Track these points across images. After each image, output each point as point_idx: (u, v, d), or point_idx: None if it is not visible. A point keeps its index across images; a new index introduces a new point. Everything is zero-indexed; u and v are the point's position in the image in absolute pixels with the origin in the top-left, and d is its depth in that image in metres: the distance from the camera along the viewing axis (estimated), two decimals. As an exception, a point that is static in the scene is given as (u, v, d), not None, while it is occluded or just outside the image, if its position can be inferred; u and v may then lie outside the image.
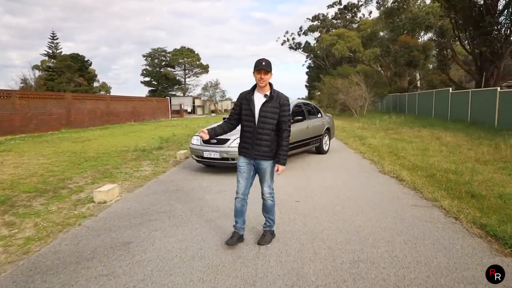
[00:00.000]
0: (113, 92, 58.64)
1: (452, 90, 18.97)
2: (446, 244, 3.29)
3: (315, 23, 52.65)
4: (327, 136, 9.24)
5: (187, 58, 57.19)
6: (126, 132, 17.30)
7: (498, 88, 14.03)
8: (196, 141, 7.13)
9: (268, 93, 3.25)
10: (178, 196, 5.29)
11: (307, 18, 54.72)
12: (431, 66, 32.21)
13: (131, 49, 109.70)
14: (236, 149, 6.34)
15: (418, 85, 32.83)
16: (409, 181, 5.75)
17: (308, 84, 62.64)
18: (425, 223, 3.89)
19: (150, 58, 58.11)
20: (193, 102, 48.56)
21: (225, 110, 53.91)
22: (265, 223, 3.52)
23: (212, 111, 50.56)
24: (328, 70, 42.70)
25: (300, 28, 54.00)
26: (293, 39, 55.14)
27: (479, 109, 15.38)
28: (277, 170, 3.35)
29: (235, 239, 3.36)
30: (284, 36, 56.86)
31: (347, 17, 52.71)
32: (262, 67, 3.12)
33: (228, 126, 3.54)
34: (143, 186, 6.00)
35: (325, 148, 9.15)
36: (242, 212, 3.42)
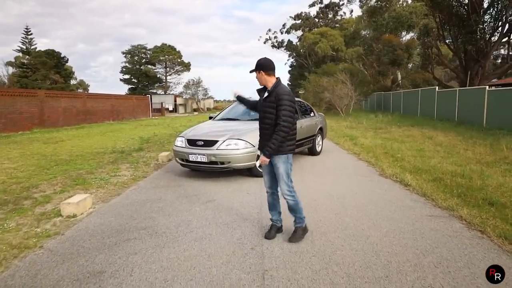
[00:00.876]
0: (92, 90, 56.81)
1: (438, 89, 18.86)
2: (484, 267, 2.78)
3: (298, 21, 52.32)
4: (320, 137, 8.72)
5: (168, 55, 55.65)
6: (104, 131, 16.33)
7: (487, 87, 13.88)
8: (180, 142, 6.45)
9: (271, 89, 3.29)
10: (161, 207, 4.62)
11: (290, 17, 54.47)
12: (410, 65, 32.35)
13: (110, 46, 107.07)
14: (225, 152, 5.82)
15: (400, 84, 32.93)
16: (416, 186, 5.28)
17: (290, 83, 62.30)
18: (449, 238, 3.39)
19: (129, 55, 56.24)
20: (175, 101, 47.30)
21: (208, 109, 52.94)
22: (294, 221, 3.47)
23: (195, 110, 49.46)
24: (311, 68, 42.47)
25: (283, 25, 53.54)
26: (275, 37, 54.69)
27: (466, 108, 15.25)
28: (260, 163, 3.33)
29: (273, 232, 3.49)
30: (267, 34, 56.12)
31: (329, 15, 52.62)
32: (252, 69, 3.36)
33: (252, 106, 3.93)
34: (121, 195, 5.29)
35: (318, 149, 8.63)
36: (275, 205, 3.52)
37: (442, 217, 3.99)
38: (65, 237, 3.65)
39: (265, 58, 3.33)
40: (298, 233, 3.38)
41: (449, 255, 3.01)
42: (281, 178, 3.30)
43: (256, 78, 3.36)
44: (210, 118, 8.02)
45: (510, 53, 19.10)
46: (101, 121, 23.62)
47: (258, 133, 5.83)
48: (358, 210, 4.28)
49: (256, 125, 6.59)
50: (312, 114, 8.60)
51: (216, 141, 5.91)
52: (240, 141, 5.87)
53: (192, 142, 6.21)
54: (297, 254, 3.09)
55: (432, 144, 9.75)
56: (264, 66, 3.28)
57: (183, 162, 6.32)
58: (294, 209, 3.38)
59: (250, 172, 6.19)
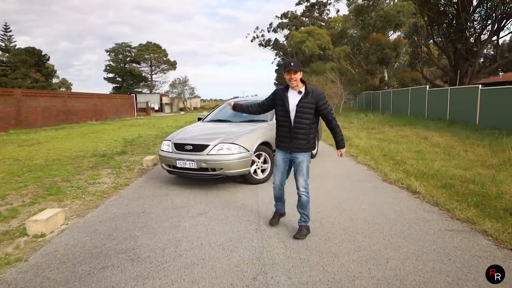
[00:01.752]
0: (75, 89, 55.18)
1: (429, 87, 18.69)
2: (532, 300, 2.34)
3: (285, 20, 51.94)
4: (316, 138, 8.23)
5: (154, 53, 54.30)
6: (85, 133, 15.52)
7: (480, 86, 13.69)
8: (166, 147, 5.87)
9: (302, 89, 3.40)
10: (144, 222, 4.05)
11: (276, 16, 54.05)
12: (396, 64, 32.31)
13: (93, 45, 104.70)
14: (217, 158, 5.27)
15: (387, 83, 32.86)
16: (425, 193, 4.85)
17: (277, 82, 61.91)
18: (479, 260, 2.94)
19: (113, 54, 54.65)
20: (161, 100, 46.20)
21: (195, 108, 52.07)
22: (300, 219, 3.59)
23: (181, 109, 48.54)
24: (298, 67, 42.07)
25: (270, 24, 53.14)
26: (262, 36, 54.18)
27: (458, 107, 15.06)
28: (341, 155, 3.65)
29: (277, 218, 3.83)
30: (254, 32, 55.48)
31: (315, 14, 52.42)
32: (291, 67, 3.30)
33: (257, 110, 3.87)
34: (99, 207, 4.69)
35: (314, 151, 8.15)
36: (281, 197, 3.77)
37: (463, 232, 3.55)
38: (28, 264, 3.05)
39: (294, 59, 3.44)
40: (303, 231, 3.51)
41: (487, 284, 2.56)
42: (302, 173, 3.45)
43: (290, 77, 3.34)
44: (199, 119, 7.45)
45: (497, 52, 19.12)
46: (83, 121, 22.69)
47: (253, 136, 5.64)
48: (369, 225, 3.80)
49: (250, 127, 6.11)
50: (307, 115, 8.11)
51: (207, 146, 5.36)
52: (233, 145, 5.34)
53: (179, 147, 5.63)
54: (309, 286, 2.58)
55: (429, 145, 9.41)
56: (300, 68, 3.41)
57: (169, 169, 5.74)
58: (305, 206, 3.51)
59: (244, 179, 5.66)
